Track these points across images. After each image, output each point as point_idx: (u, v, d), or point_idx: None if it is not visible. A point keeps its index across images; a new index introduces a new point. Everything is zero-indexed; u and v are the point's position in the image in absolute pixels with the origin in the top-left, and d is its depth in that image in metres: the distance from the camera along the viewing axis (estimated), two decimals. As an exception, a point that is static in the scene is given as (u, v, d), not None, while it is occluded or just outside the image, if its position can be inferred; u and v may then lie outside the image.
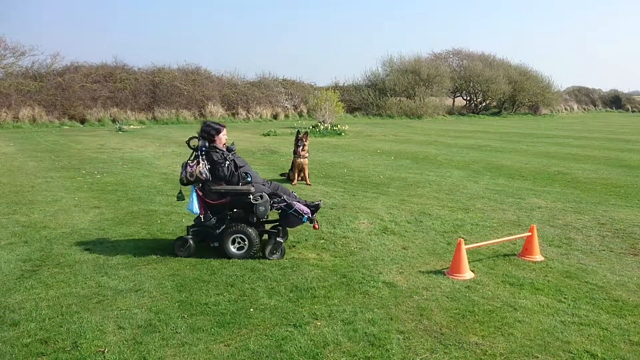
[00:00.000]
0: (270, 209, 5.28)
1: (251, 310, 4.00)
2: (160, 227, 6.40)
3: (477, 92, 44.74)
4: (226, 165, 5.29)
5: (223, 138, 5.56)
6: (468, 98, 45.61)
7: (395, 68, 40.52)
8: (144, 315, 3.88)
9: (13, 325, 3.71)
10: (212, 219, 5.31)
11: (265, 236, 5.48)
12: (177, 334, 3.60)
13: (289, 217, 5.28)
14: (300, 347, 3.43)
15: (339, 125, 23.23)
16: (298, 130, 10.16)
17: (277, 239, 5.26)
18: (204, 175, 5.19)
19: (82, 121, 25.84)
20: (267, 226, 5.61)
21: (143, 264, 5.05)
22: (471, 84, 44.15)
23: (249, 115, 31.32)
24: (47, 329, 3.66)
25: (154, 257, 5.25)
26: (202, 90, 30.44)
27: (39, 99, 25.27)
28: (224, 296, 4.27)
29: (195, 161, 5.27)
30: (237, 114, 31.19)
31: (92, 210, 7.31)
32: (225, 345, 3.45)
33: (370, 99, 37.28)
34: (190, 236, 5.32)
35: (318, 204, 5.55)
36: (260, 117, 31.78)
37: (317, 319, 3.85)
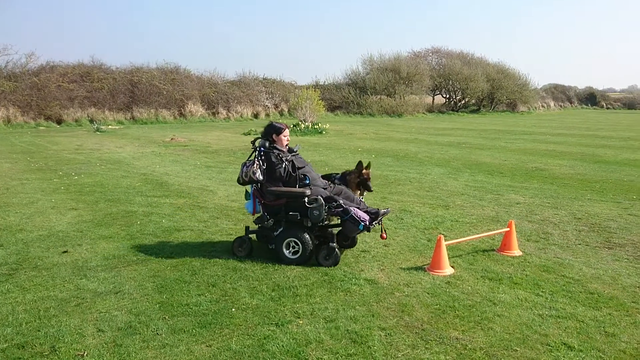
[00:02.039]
0: (329, 214, 5.07)
1: (233, 310, 3.99)
2: (140, 228, 6.33)
3: (456, 90, 45.23)
4: (283, 166, 5.13)
5: (284, 138, 5.34)
6: (447, 96, 46.09)
7: (375, 66, 40.71)
8: (124, 318, 3.84)
9: (-11, 330, 3.63)
10: (270, 221, 5.15)
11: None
12: (158, 335, 3.57)
13: (346, 223, 5.04)
14: (283, 346, 3.43)
15: (319, 124, 23.25)
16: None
17: (331, 244, 5.00)
18: (257, 175, 5.10)
19: (59, 122, 25.38)
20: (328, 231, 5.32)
21: (123, 265, 4.99)
22: (450, 82, 44.62)
23: (230, 115, 31.15)
24: (24, 333, 3.59)
25: (134, 258, 5.20)
26: (181, 90, 30.16)
27: (13, 99, 24.74)
28: (205, 296, 4.24)
29: (252, 161, 5.19)
30: (218, 113, 30.99)
31: (70, 212, 7.20)
32: (207, 346, 3.43)
33: (350, 97, 37.39)
34: (248, 236, 5.28)
35: (378, 211, 5.18)
36: (241, 116, 31.63)
37: (299, 318, 3.85)
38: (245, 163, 5.24)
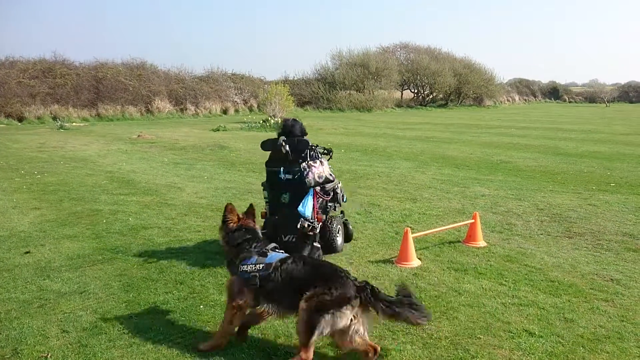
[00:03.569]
0: None
1: (201, 307, 3.97)
2: (106, 227, 6.21)
3: (424, 85, 45.84)
4: None
5: None
6: (416, 91, 46.66)
7: (344, 62, 40.87)
8: (89, 318, 3.78)
9: (-53, 334, 3.52)
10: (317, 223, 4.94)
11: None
12: (124, 334, 3.53)
13: None
14: (252, 341, 3.44)
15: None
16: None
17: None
18: (331, 175, 5.06)
19: (20, 119, 24.62)
20: None
21: (88, 265, 4.90)
22: (418, 77, 45.18)
23: (198, 111, 30.81)
24: (-15, 336, 3.50)
25: (100, 257, 5.11)
26: (148, 86, 29.65)
27: (-29, 96, 23.87)
28: (173, 294, 4.21)
29: (318, 162, 4.97)
30: (186, 109, 30.60)
31: (32, 211, 7.01)
32: (175, 344, 3.41)
33: (320, 92, 37.43)
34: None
35: None
36: (210, 112, 31.31)
37: (267, 313, 3.86)
38: (307, 164, 4.90)
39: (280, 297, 3.19)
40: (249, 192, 8.32)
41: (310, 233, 4.89)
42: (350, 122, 26.92)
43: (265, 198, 5.21)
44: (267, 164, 5.16)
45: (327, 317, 2.94)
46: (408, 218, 6.71)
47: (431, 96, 46.77)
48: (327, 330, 2.96)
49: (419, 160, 12.13)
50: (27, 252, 5.27)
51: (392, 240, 5.70)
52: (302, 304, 3.00)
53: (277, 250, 3.47)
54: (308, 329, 2.95)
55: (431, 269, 4.81)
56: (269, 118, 23.56)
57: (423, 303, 3.98)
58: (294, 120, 5.36)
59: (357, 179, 9.59)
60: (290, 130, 5.18)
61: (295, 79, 39.79)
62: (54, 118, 24.94)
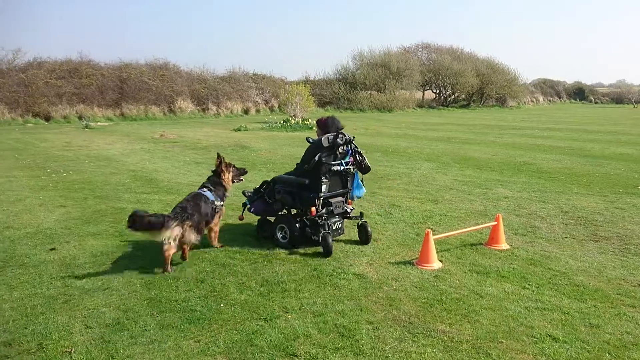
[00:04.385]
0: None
1: (221, 305, 3.99)
2: (129, 225, 6.29)
3: (446, 85, 45.39)
4: None
5: None
6: (437, 91, 46.24)
7: (365, 62, 40.69)
8: (112, 314, 3.83)
9: (-25, 328, 3.61)
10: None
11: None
12: (146, 331, 3.57)
13: None
14: (271, 340, 3.45)
15: (310, 120, 23.23)
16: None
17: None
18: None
19: (47, 118, 25.16)
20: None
21: (111, 262, 4.98)
22: (440, 77, 44.76)
23: (220, 111, 31.02)
24: (11, 331, 3.58)
25: (123, 255, 5.18)
26: (171, 86, 29.98)
27: (0, 96, 24.47)
28: (194, 292, 4.24)
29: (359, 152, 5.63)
30: (208, 109, 30.85)
31: (58, 209, 7.15)
32: (195, 341, 3.43)
33: (341, 92, 37.37)
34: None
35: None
36: (231, 112, 31.52)
37: (287, 312, 3.87)
38: (355, 151, 5.61)
39: None
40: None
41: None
42: (371, 122, 26.82)
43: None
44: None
45: None
46: (429, 219, 6.65)
47: (453, 96, 46.31)
48: None
49: (440, 161, 12.02)
50: (52, 249, 5.37)
51: (412, 242, 5.65)
52: None
53: None
54: None
55: (452, 272, 4.76)
56: (290, 118, 23.63)
57: (444, 306, 3.96)
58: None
59: (378, 179, 9.55)
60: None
61: (316, 79, 39.78)
62: (80, 117, 25.43)
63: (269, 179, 5.80)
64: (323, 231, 5.25)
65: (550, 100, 61.57)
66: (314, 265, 4.89)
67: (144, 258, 5.08)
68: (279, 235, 5.51)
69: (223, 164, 5.52)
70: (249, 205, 5.87)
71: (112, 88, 28.19)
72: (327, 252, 5.14)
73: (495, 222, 5.53)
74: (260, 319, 3.77)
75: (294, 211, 5.72)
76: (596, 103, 65.30)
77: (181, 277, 4.57)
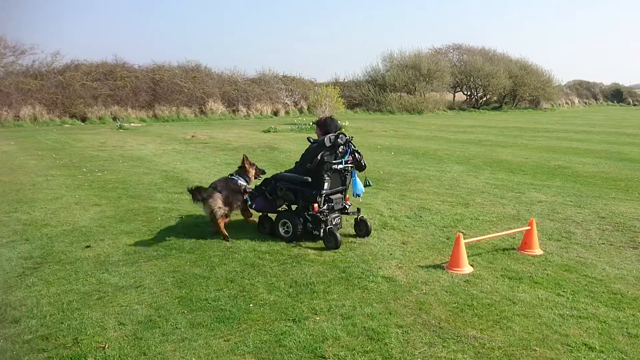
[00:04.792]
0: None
1: (251, 305, 4.02)
2: (161, 224, 6.41)
3: (478, 87, 44.73)
4: None
5: None
6: (468, 93, 45.60)
7: (395, 63, 40.44)
8: (144, 312, 3.90)
9: (14, 322, 3.73)
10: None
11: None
12: (177, 329, 3.63)
13: None
14: (299, 341, 3.45)
15: (339, 122, 23.19)
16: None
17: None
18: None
19: (83, 119, 25.88)
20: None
21: (143, 260, 5.07)
22: (471, 79, 44.13)
23: (249, 112, 31.32)
24: (48, 325, 3.69)
25: (154, 253, 5.28)
26: (202, 88, 30.44)
27: (39, 98, 25.29)
28: (223, 292, 4.29)
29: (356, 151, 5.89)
30: (238, 110, 31.19)
31: (93, 207, 7.34)
32: (224, 341, 3.47)
33: (370, 94, 37.25)
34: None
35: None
36: (261, 113, 31.77)
37: (316, 314, 3.87)
38: (353, 150, 5.85)
39: None
40: (299, 193, 8.37)
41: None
42: (401, 124, 26.64)
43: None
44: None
45: None
46: (460, 223, 6.55)
47: (485, 98, 45.58)
48: None
49: (471, 164, 11.84)
50: (87, 246, 5.51)
51: (443, 246, 5.58)
52: None
53: None
54: None
55: (484, 276, 4.67)
56: (319, 120, 23.66)
57: (475, 311, 3.89)
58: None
59: (407, 182, 9.47)
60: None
61: (346, 81, 39.76)
62: (114, 118, 26.06)
63: (268, 177, 6.18)
64: (329, 226, 5.54)
65: (586, 103, 59.95)
66: (343, 267, 4.88)
67: (176, 257, 5.16)
68: (281, 230, 5.75)
69: (247, 162, 6.62)
70: (250, 202, 6.18)
71: (145, 90, 28.80)
72: (336, 245, 5.41)
73: (529, 227, 5.41)
74: (289, 320, 3.78)
75: (293, 207, 5.98)
76: (635, 105, 63.23)
77: (211, 277, 4.62)
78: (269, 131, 21.15)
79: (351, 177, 5.94)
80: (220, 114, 30.09)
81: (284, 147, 15.23)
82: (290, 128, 22.73)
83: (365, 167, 6.01)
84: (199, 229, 6.20)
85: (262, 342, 3.44)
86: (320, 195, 5.59)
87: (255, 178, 6.61)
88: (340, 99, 26.69)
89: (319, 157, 5.50)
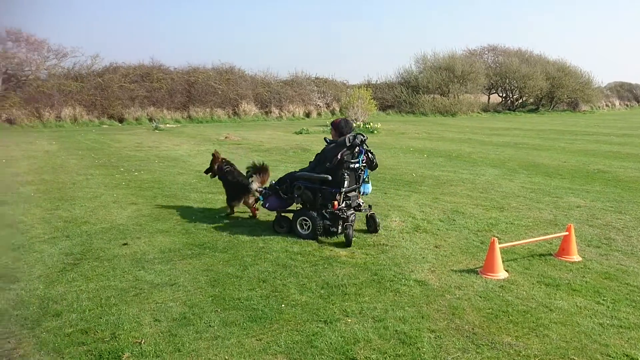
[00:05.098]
0: None
1: (282, 305, 4.05)
2: (195, 224, 6.53)
3: (514, 89, 43.84)
4: None
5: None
6: (504, 95, 44.73)
7: (428, 65, 40.04)
8: (179, 309, 3.98)
9: (56, 315, 3.87)
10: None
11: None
12: (211, 327, 3.68)
13: None
14: (331, 343, 3.46)
15: (371, 123, 23.16)
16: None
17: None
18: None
19: (121, 120, 26.58)
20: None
21: (178, 258, 5.17)
22: (507, 81, 43.30)
23: (282, 114, 31.53)
24: (88, 319, 3.80)
25: (189, 252, 5.37)
26: (236, 89, 30.83)
27: (79, 99, 26.12)
28: (256, 291, 4.33)
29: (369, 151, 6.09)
30: (270, 112, 31.45)
31: (130, 206, 7.52)
32: (257, 340, 3.50)
33: (403, 96, 37.00)
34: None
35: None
36: (293, 115, 31.95)
37: (347, 316, 3.86)
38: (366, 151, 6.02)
39: None
40: (331, 194, 8.37)
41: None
42: (434, 126, 26.35)
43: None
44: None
45: None
46: (494, 227, 6.43)
47: (520, 100, 44.63)
48: None
49: (506, 167, 11.61)
50: (124, 244, 5.66)
51: (477, 250, 5.49)
52: None
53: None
54: None
55: (519, 282, 4.57)
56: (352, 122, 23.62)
57: (510, 317, 3.81)
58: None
59: (440, 185, 9.35)
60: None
61: (378, 82, 39.62)
62: (150, 119, 26.66)
63: (282, 176, 6.29)
64: (346, 223, 5.72)
65: (627, 105, 57.93)
66: (375, 270, 4.85)
67: (209, 256, 5.24)
68: (299, 228, 5.85)
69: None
70: (262, 201, 6.26)
71: (180, 91, 29.37)
72: (349, 243, 5.57)
73: (567, 232, 5.26)
74: (320, 321, 3.78)
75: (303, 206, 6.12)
76: (680, 108, 60.69)
77: (244, 276, 4.68)
78: (301, 132, 21.25)
79: (364, 175, 6.14)
80: (253, 116, 30.40)
81: (316, 149, 15.23)
82: (322, 130, 22.77)
83: (377, 167, 6.22)
84: (232, 229, 6.28)
85: (294, 343, 3.46)
86: (340, 193, 5.78)
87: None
88: (372, 100, 26.60)
89: (339, 157, 5.73)
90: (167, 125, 25.64)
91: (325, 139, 6.25)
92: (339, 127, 6.12)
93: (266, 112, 31.47)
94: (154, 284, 4.51)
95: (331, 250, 5.46)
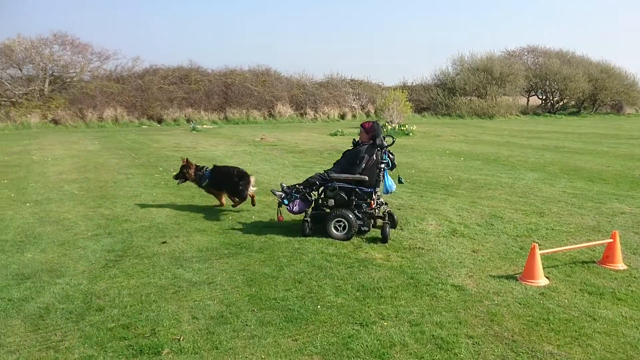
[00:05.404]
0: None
1: (318, 307, 4.06)
2: (232, 223, 6.62)
3: (554, 91, 42.68)
4: None
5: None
6: (544, 97, 43.61)
7: (466, 67, 39.41)
8: (216, 307, 4.04)
9: (99, 310, 3.99)
10: None
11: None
12: (247, 326, 3.73)
13: None
14: (367, 346, 3.44)
15: (406, 125, 22.96)
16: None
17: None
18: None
19: (159, 121, 27.23)
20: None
21: (215, 258, 5.25)
22: (547, 83, 42.18)
23: (317, 115, 31.64)
24: (129, 315, 3.90)
25: (226, 251, 5.45)
26: (271, 91, 31.13)
27: (120, 100, 26.93)
28: (291, 292, 4.35)
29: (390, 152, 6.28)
30: (305, 114, 31.61)
31: (168, 205, 7.69)
32: (293, 340, 3.52)
33: (439, 98, 36.56)
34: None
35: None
36: (328, 117, 32.01)
37: (383, 319, 3.84)
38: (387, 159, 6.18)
39: None
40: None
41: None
42: (471, 129, 25.92)
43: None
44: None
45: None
46: (534, 233, 6.28)
47: (561, 103, 43.41)
48: None
49: (546, 172, 11.31)
50: (163, 242, 5.79)
51: (516, 256, 5.37)
52: None
53: None
54: None
55: (561, 290, 4.45)
56: (387, 124, 23.51)
57: (551, 326, 3.71)
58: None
59: (478, 188, 9.19)
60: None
61: (414, 84, 39.28)
62: (188, 120, 27.22)
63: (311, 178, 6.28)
64: (384, 222, 5.92)
65: (675, 108, 55.48)
66: (411, 273, 4.81)
67: (246, 256, 5.31)
68: (334, 229, 5.88)
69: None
70: (287, 205, 6.13)
71: (217, 93, 29.88)
72: (385, 239, 5.76)
73: (611, 239, 5.09)
74: (356, 323, 3.78)
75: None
76: None
77: (280, 277, 4.71)
78: (335, 134, 21.27)
79: (383, 174, 6.23)
80: (288, 117, 30.62)
81: (351, 151, 15.22)
82: (357, 132, 22.71)
83: (396, 167, 6.41)
84: (267, 229, 6.34)
85: (330, 344, 3.46)
86: (375, 192, 6.00)
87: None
88: (407, 102, 26.38)
89: (374, 157, 6.00)
90: (204, 126, 26.10)
91: (354, 140, 6.44)
92: (373, 129, 6.23)
93: (301, 114, 31.65)
94: (192, 282, 4.59)
95: (366, 252, 5.44)
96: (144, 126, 26.08)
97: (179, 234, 6.13)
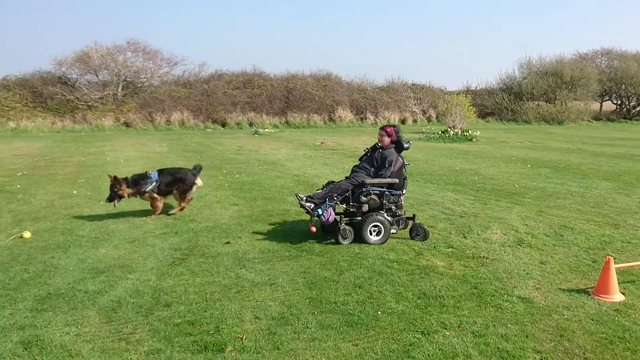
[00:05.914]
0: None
1: (379, 313, 4.03)
2: (293, 226, 6.71)
3: (630, 96, 40.18)
4: None
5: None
6: (619, 102, 41.18)
7: (533, 70, 37.91)
8: (278, 308, 4.11)
9: (166, 306, 4.16)
10: None
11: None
12: (308, 328, 3.76)
13: None
14: (428, 354, 3.38)
15: (470, 131, 22.39)
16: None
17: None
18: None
19: (223, 124, 28.09)
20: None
21: (277, 259, 5.34)
22: (623, 87, 39.76)
23: (377, 120, 31.49)
24: (194, 312, 4.04)
25: (287, 254, 5.53)
26: (332, 96, 31.31)
27: (187, 104, 28.01)
28: (352, 297, 4.35)
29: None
30: (365, 118, 31.55)
31: (232, 207, 7.90)
32: (353, 345, 3.52)
33: (504, 103, 35.39)
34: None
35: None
36: (388, 121, 31.75)
37: (445, 329, 3.76)
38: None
39: None
40: (427, 203, 8.21)
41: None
42: (538, 135, 24.90)
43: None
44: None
45: None
46: (608, 245, 5.94)
47: (638, 108, 40.81)
48: None
49: (621, 181, 10.67)
50: (227, 243, 5.95)
51: (588, 269, 5.10)
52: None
53: None
54: None
55: (638, 307, 4.18)
56: (449, 129, 23.03)
57: (627, 344, 3.50)
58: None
59: (546, 197, 8.81)
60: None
61: (478, 89, 38.22)
62: (250, 124, 27.90)
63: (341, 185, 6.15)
64: (414, 222, 6.09)
65: None
66: (474, 283, 4.68)
67: (306, 259, 5.36)
68: (370, 235, 5.85)
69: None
70: (321, 214, 5.83)
71: (279, 97, 30.42)
72: (426, 236, 6.01)
73: (697, 256, 4.72)
74: (417, 331, 3.72)
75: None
76: None
77: (340, 281, 4.72)
78: (396, 139, 21.03)
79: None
80: (348, 121, 30.68)
81: (411, 156, 15.04)
82: (418, 137, 22.42)
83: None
84: (328, 234, 6.36)
85: (390, 351, 3.43)
86: (403, 194, 6.14)
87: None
88: (471, 107, 25.71)
89: (401, 160, 6.19)
90: (266, 129, 26.64)
91: (377, 144, 6.46)
92: (396, 133, 6.36)
93: (361, 118, 31.62)
94: (255, 282, 4.69)
95: (428, 260, 5.34)
96: (208, 129, 26.97)
97: (241, 235, 6.28)
